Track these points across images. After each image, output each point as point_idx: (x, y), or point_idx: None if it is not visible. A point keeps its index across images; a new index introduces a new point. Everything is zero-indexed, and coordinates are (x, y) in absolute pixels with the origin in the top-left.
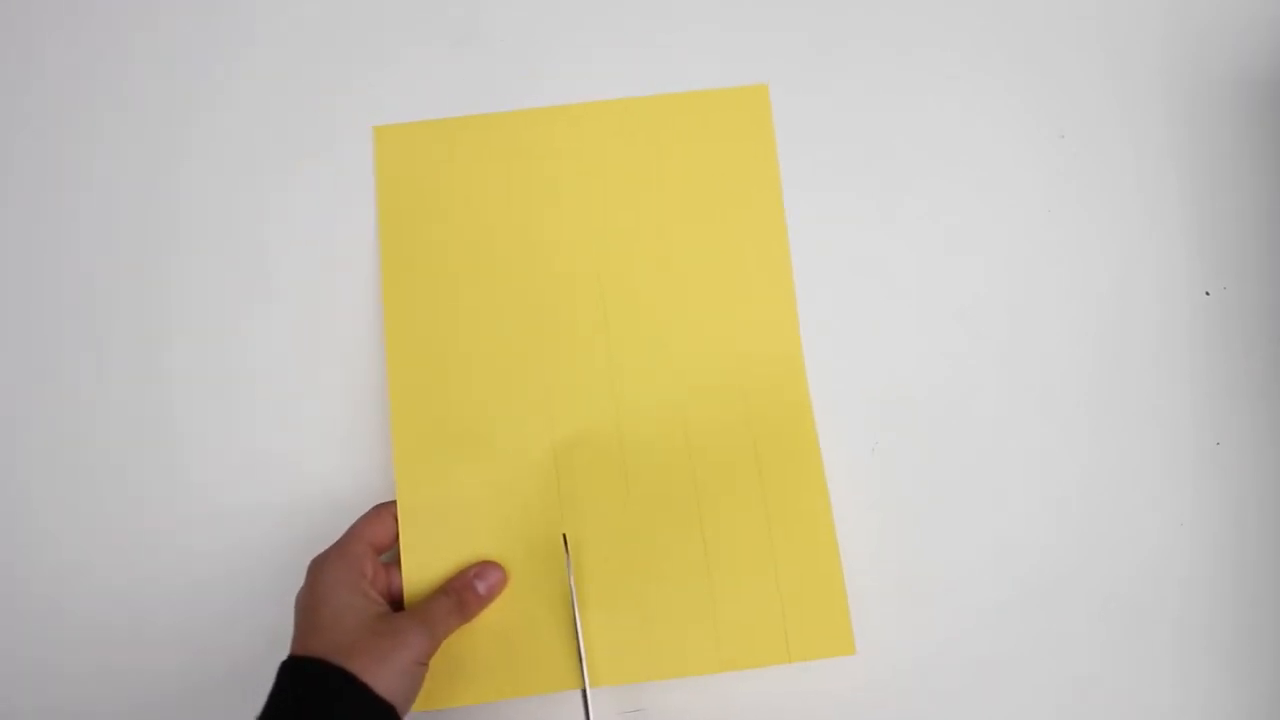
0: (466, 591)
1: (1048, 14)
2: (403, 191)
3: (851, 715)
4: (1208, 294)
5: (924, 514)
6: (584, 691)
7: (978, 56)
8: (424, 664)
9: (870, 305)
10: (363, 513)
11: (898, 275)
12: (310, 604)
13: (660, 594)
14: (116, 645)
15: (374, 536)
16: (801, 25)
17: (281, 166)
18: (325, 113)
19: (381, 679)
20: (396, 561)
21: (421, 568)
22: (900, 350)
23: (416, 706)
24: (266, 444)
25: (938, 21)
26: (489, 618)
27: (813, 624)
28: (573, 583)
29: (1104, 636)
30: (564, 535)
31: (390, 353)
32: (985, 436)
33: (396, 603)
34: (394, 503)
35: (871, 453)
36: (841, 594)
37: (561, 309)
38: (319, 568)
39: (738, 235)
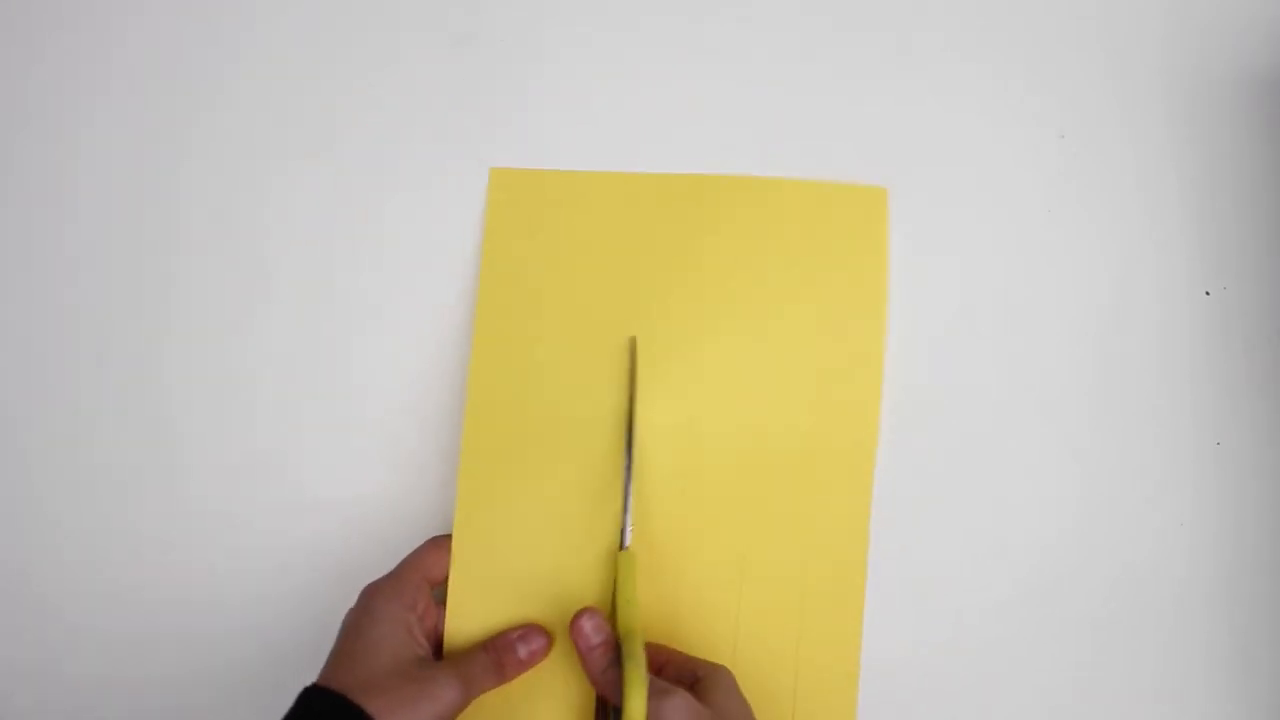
0: (507, 653)
1: (1048, 14)
2: (510, 234)
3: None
4: (1208, 294)
5: (924, 514)
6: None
7: (977, 56)
8: (453, 717)
9: None
10: (415, 545)
11: (897, 275)
12: (352, 631)
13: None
14: (117, 648)
15: (429, 568)
16: (790, 23)
17: (282, 167)
18: (327, 113)
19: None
20: (443, 601)
21: (467, 615)
22: (900, 350)
23: None
24: (266, 445)
25: (937, 21)
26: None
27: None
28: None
29: (1104, 636)
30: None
31: (471, 387)
32: (985, 436)
33: (439, 648)
34: (448, 537)
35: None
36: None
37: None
38: (372, 594)
39: (831, 335)
